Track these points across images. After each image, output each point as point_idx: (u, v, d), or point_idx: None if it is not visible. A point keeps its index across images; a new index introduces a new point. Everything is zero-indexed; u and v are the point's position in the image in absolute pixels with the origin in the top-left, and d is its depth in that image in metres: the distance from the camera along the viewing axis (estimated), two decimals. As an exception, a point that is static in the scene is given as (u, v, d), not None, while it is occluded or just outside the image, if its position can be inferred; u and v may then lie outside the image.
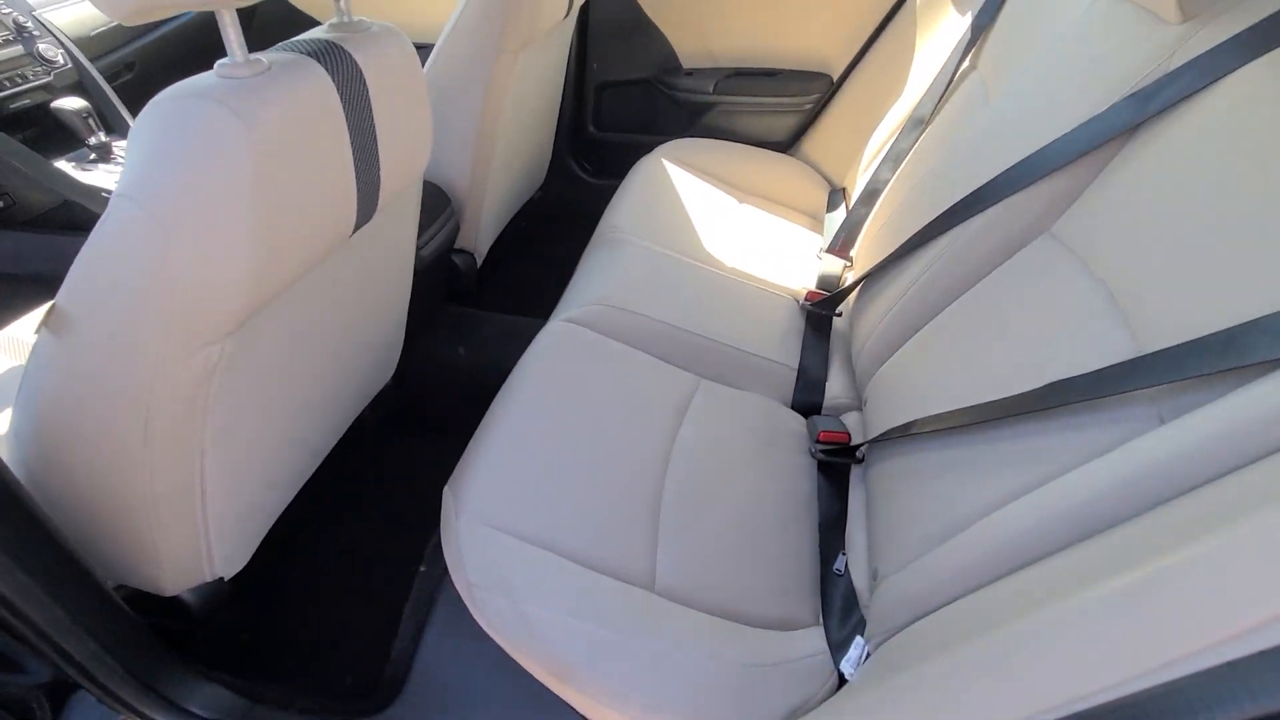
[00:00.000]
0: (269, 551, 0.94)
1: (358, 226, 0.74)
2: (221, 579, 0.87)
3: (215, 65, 0.56)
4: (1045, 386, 0.64)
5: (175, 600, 0.84)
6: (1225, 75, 0.62)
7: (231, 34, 0.54)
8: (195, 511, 0.75)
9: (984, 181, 0.88)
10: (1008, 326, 0.77)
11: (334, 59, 0.62)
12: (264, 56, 0.58)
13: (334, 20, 0.69)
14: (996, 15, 1.21)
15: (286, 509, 0.97)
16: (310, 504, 1.01)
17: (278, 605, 1.05)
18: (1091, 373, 0.60)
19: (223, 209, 0.53)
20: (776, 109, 1.73)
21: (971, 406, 0.73)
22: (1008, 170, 0.85)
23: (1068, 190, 0.78)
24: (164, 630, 0.82)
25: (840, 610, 0.81)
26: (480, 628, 0.74)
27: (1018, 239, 0.82)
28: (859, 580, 0.83)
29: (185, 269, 0.54)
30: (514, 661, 0.73)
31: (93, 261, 0.55)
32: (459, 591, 0.74)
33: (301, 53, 0.61)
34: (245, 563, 0.91)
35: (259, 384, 0.74)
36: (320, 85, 0.60)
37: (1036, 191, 0.81)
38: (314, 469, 1.01)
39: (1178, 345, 0.52)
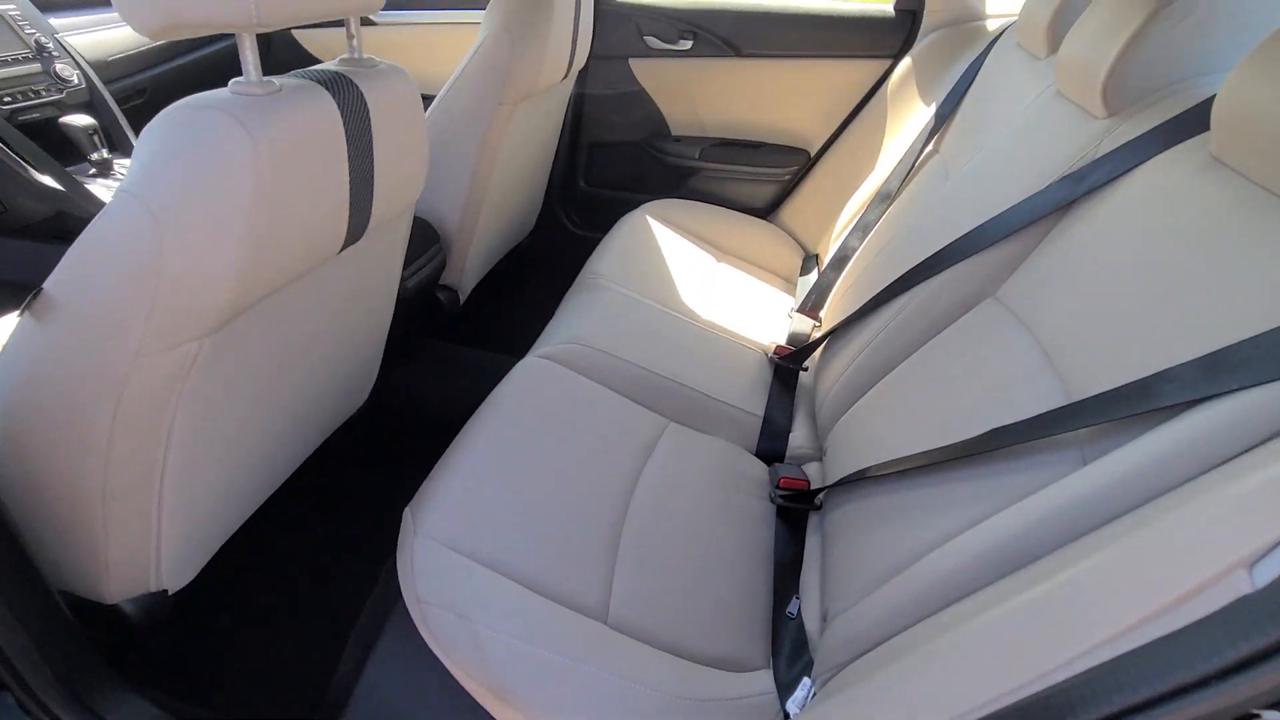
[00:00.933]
0: (217, 568, 0.92)
1: (346, 244, 0.77)
2: (165, 592, 0.85)
3: (230, 83, 0.60)
4: (986, 432, 0.68)
5: (114, 612, 0.81)
6: (1142, 162, 0.70)
7: (249, 55, 0.59)
8: (149, 514, 0.75)
9: (939, 248, 0.95)
10: (955, 379, 0.82)
11: (342, 88, 0.67)
12: (276, 79, 0.63)
13: (345, 56, 0.75)
14: (957, 107, 1.33)
15: (240, 526, 0.95)
16: (265, 524, 1.00)
17: (221, 624, 1.02)
18: (1026, 419, 0.64)
19: (219, 210, 0.57)
20: (757, 178, 1.84)
21: (919, 453, 0.76)
22: (959, 239, 0.92)
23: (1011, 258, 0.84)
24: (99, 643, 0.79)
25: (790, 652, 0.81)
26: (428, 654, 0.73)
27: (966, 301, 0.88)
28: (811, 623, 0.84)
29: (175, 262, 0.56)
30: (460, 688, 0.72)
31: (86, 250, 0.57)
32: (408, 607, 0.73)
33: (312, 80, 0.66)
34: (192, 577, 0.89)
35: (232, 390, 0.75)
36: (326, 109, 0.65)
37: (983, 259, 0.87)
38: (274, 489, 1.00)
39: (1099, 394, 0.57)
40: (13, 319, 1.01)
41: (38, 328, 0.61)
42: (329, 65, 0.72)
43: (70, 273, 0.58)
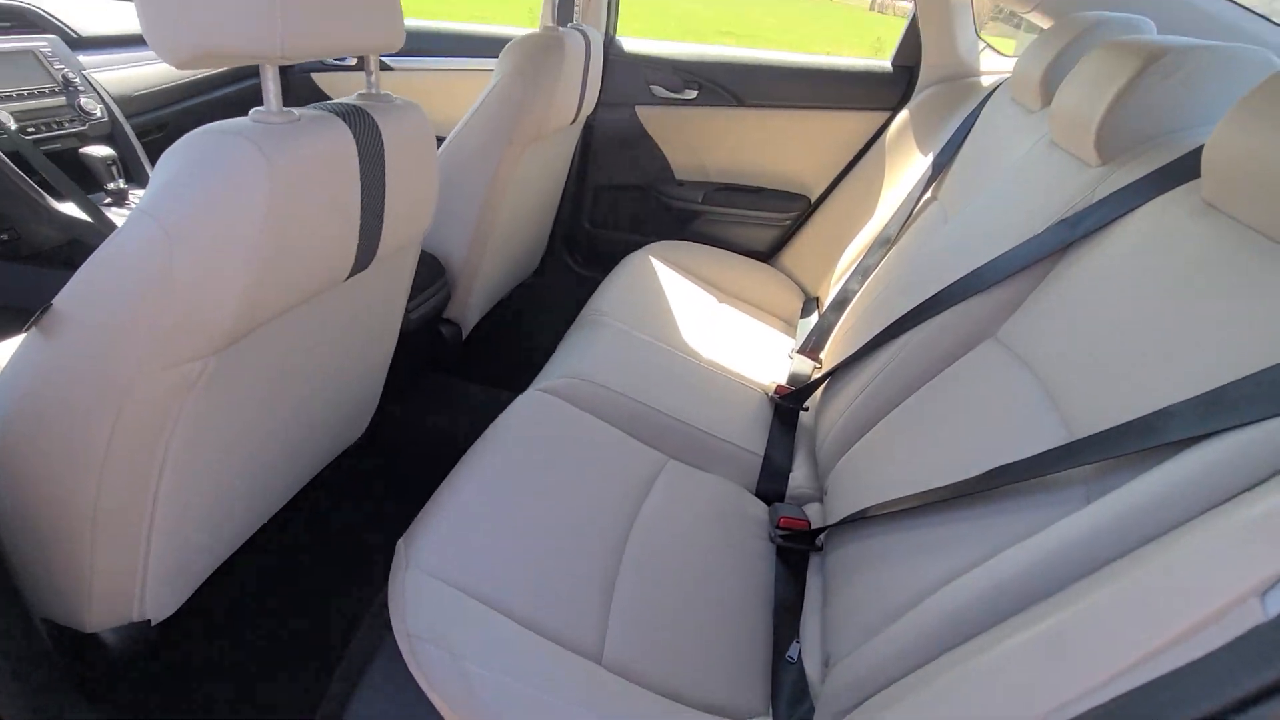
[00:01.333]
0: (202, 598, 0.90)
1: (353, 272, 0.78)
2: (149, 621, 0.83)
3: (250, 111, 0.62)
4: (989, 471, 0.67)
5: (93, 641, 0.79)
6: (1136, 207, 0.72)
7: (270, 86, 0.61)
8: (138, 539, 0.73)
9: (938, 290, 0.96)
10: (956, 419, 0.82)
11: (358, 120, 0.69)
12: (296, 110, 0.65)
13: (363, 91, 0.77)
14: (954, 156, 1.37)
15: (228, 557, 0.94)
16: (253, 554, 0.98)
17: (204, 656, 0.99)
18: (1029, 457, 0.64)
19: (231, 230, 0.58)
20: (759, 222, 1.87)
21: (922, 492, 0.75)
22: (958, 281, 0.93)
23: (1010, 299, 0.85)
24: (75, 674, 0.76)
25: (790, 698, 0.78)
26: (416, 690, 0.70)
27: (966, 341, 0.89)
28: (811, 668, 0.81)
29: (184, 279, 0.57)
30: None
31: (99, 265, 0.58)
32: (398, 642, 0.71)
33: (330, 111, 0.68)
34: (176, 607, 0.87)
35: (230, 414, 0.75)
36: (342, 139, 0.67)
37: (982, 300, 0.88)
38: (265, 519, 0.99)
39: (1104, 430, 0.57)
40: (16, 342, 1.02)
41: (43, 342, 0.61)
42: (347, 99, 0.75)
43: (81, 287, 0.59)
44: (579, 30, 1.42)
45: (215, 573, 0.92)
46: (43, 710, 0.69)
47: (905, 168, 1.57)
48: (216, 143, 0.58)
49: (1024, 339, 0.80)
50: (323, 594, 1.11)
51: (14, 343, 1.04)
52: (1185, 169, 0.70)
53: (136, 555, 0.74)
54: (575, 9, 1.54)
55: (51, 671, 0.72)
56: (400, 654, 0.72)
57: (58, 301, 0.60)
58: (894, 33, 1.79)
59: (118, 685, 0.92)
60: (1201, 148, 0.65)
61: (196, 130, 0.59)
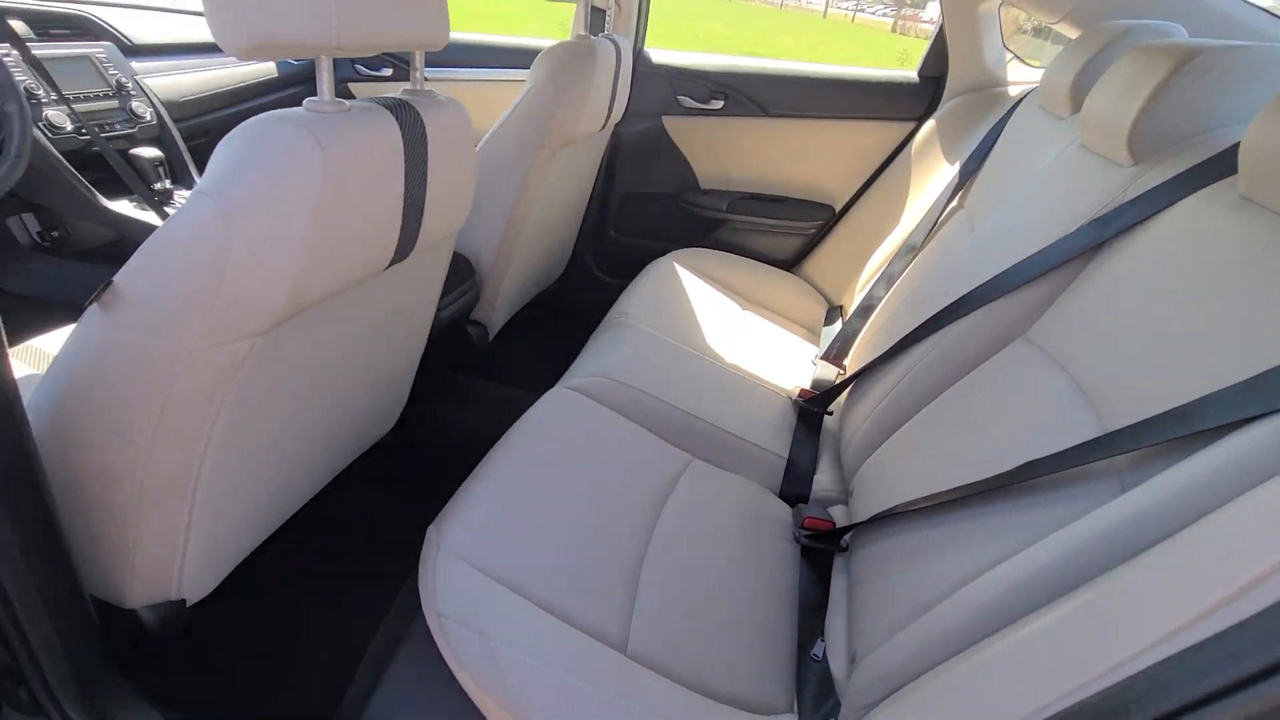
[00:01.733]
0: (233, 582, 0.92)
1: (394, 261, 0.81)
2: (184, 601, 0.85)
3: (305, 101, 0.65)
4: (1020, 465, 0.67)
5: (132, 617, 0.81)
6: (1168, 206, 0.72)
7: (325, 76, 0.64)
8: (180, 518, 0.76)
9: (965, 292, 0.96)
10: (986, 418, 0.81)
11: (404, 114, 0.72)
12: (347, 101, 0.68)
13: (408, 87, 0.80)
14: (981, 164, 1.37)
15: (259, 545, 0.96)
16: (283, 541, 1.00)
17: (234, 638, 1.01)
18: (1061, 451, 0.63)
19: (284, 214, 0.60)
20: (782, 231, 1.88)
21: (952, 489, 0.75)
22: (987, 282, 0.93)
23: (1041, 299, 0.85)
24: (113, 649, 0.78)
25: (815, 696, 0.78)
26: (444, 673, 0.71)
27: (995, 343, 0.89)
28: (836, 667, 0.81)
29: (238, 262, 0.59)
30: (475, 710, 0.70)
31: (158, 245, 0.61)
32: (428, 622, 0.72)
33: (379, 103, 0.71)
34: (212, 588, 0.89)
35: (272, 397, 0.77)
36: (389, 131, 0.69)
37: (1012, 301, 0.88)
38: (298, 506, 1.01)
39: (1138, 422, 0.57)
40: (53, 337, 1.05)
41: (102, 318, 0.64)
42: (396, 93, 0.78)
43: (140, 265, 0.62)
44: (610, 39, 1.45)
45: (246, 558, 0.94)
46: (86, 682, 0.71)
47: (931, 176, 1.57)
48: (273, 129, 0.61)
49: (1056, 338, 0.80)
50: (350, 581, 1.12)
51: (64, 333, 1.08)
52: (1221, 166, 0.70)
53: (178, 534, 0.76)
54: (606, 19, 1.58)
55: (94, 643, 0.74)
56: (429, 635, 0.73)
57: (118, 278, 0.63)
58: (917, 49, 1.80)
59: (151, 662, 0.94)
60: (1237, 145, 0.65)
61: (254, 118, 0.62)
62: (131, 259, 0.63)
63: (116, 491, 0.71)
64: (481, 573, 0.78)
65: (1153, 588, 0.36)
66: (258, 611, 1.05)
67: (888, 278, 1.42)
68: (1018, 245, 0.94)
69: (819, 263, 1.86)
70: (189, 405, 0.67)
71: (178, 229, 0.61)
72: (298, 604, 1.08)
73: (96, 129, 1.31)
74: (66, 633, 0.67)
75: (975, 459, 0.78)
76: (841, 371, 1.38)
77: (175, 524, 0.76)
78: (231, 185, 0.59)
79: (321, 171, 0.61)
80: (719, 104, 1.82)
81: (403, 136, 0.71)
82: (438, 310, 1.24)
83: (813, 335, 1.64)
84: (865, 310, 1.43)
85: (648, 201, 1.95)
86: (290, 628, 1.05)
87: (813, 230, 1.86)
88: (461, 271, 1.38)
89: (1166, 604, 0.34)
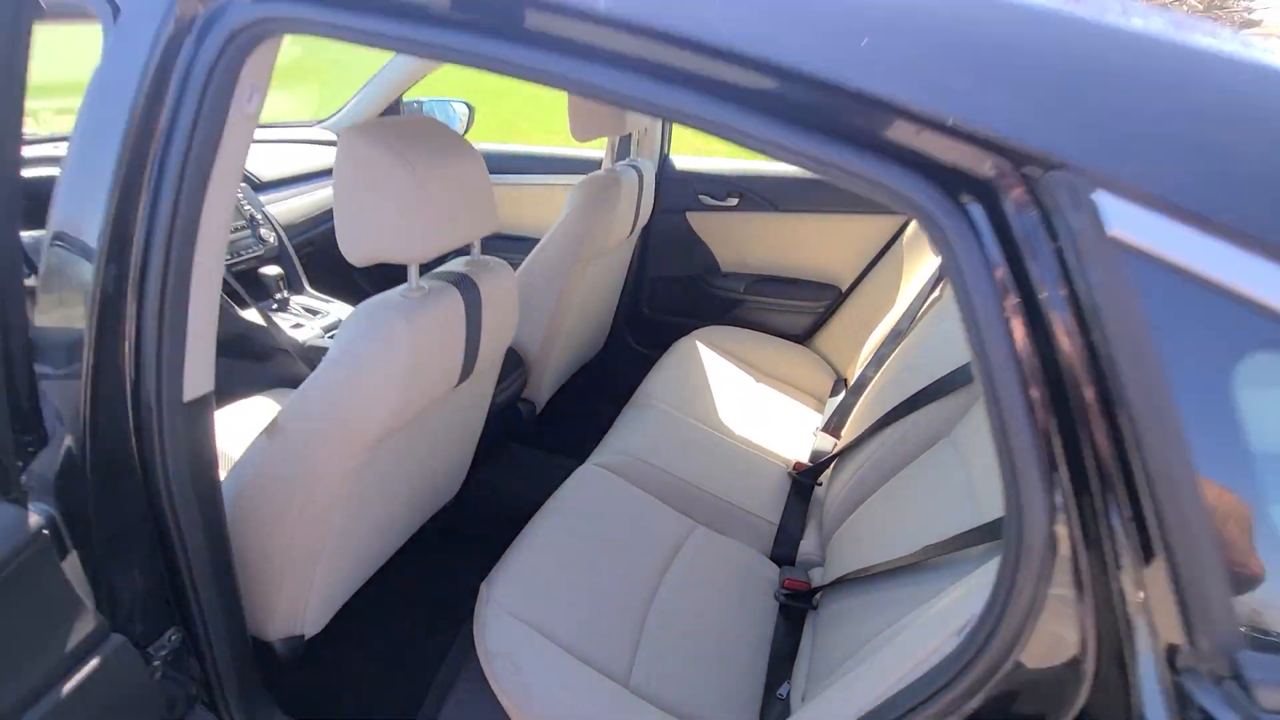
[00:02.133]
0: (328, 625, 1.21)
1: (459, 383, 1.09)
2: (303, 636, 1.14)
3: (400, 289, 0.94)
4: (919, 549, 0.88)
5: (268, 648, 1.10)
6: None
7: (413, 273, 0.94)
8: (310, 576, 1.05)
9: (915, 391, 1.17)
10: (913, 504, 1.02)
11: (465, 285, 1.01)
12: (424, 283, 0.97)
13: (468, 258, 1.10)
14: (956, 263, 1.57)
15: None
16: (367, 589, 1.29)
17: (327, 667, 1.29)
18: (946, 539, 0.84)
19: (386, 373, 0.89)
20: (795, 309, 2.11)
21: (879, 563, 0.96)
22: (934, 382, 1.14)
23: (963, 404, 1.06)
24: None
25: (776, 726, 0.99)
26: (491, 695, 0.97)
27: (928, 441, 1.09)
28: (796, 705, 1.02)
29: (359, 407, 0.89)
30: None
31: (304, 396, 0.91)
32: (480, 659, 0.98)
33: (446, 281, 1.00)
34: (324, 625, 1.18)
35: (373, 488, 1.07)
36: (454, 303, 0.98)
37: (943, 404, 1.09)
38: (385, 560, 1.30)
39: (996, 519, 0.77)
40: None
41: (268, 442, 0.95)
42: (459, 264, 1.07)
43: (293, 409, 0.92)
44: (633, 166, 1.74)
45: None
46: (246, 691, 1.00)
47: (920, 265, 1.77)
48: (379, 315, 0.90)
49: (967, 441, 1.00)
50: (418, 624, 1.40)
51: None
52: None
53: (307, 588, 1.05)
54: (632, 144, 1.88)
55: (251, 665, 1.03)
56: (479, 673, 0.99)
57: (280, 417, 0.94)
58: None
59: (277, 680, 1.23)
60: None
61: (365, 305, 0.92)
62: (289, 402, 0.93)
63: (268, 559, 1.01)
64: (521, 621, 1.03)
65: (899, 652, 0.58)
66: (347, 645, 1.34)
67: (878, 359, 1.62)
68: (959, 351, 1.14)
69: (828, 337, 2.07)
70: (319, 501, 0.96)
71: (318, 385, 0.91)
72: (378, 639, 1.37)
73: (231, 256, 1.70)
74: (237, 655, 0.96)
75: (905, 537, 0.98)
76: (837, 442, 1.59)
77: (306, 580, 1.05)
78: (352, 356, 0.89)
79: (410, 342, 0.90)
80: (734, 201, 2.08)
81: (464, 302, 1.00)
82: (493, 398, 1.53)
83: (820, 404, 1.85)
84: (859, 388, 1.63)
85: (676, 284, 2.22)
86: (371, 659, 1.33)
87: (822, 308, 2.08)
88: (513, 362, 1.67)
89: (902, 660, 0.56)
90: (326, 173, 2.18)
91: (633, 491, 1.34)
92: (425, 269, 0.96)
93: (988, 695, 0.48)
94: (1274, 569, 0.37)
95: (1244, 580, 0.37)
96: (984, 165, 0.43)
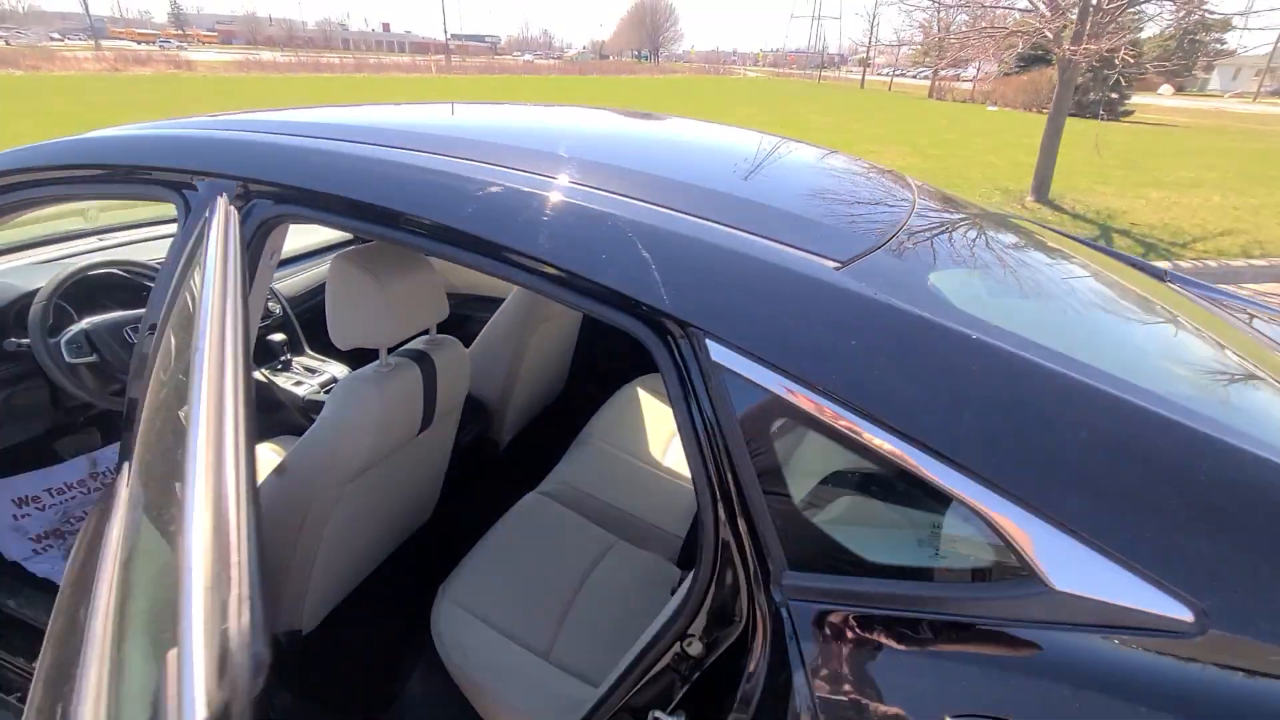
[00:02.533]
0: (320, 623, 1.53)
1: (420, 432, 1.44)
2: (299, 631, 1.46)
3: (374, 365, 1.30)
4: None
5: (273, 642, 1.43)
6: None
7: (383, 355, 1.29)
8: (308, 575, 1.38)
9: None
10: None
11: (423, 362, 1.37)
12: (392, 359, 1.33)
13: (426, 337, 1.46)
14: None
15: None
16: (353, 596, 1.61)
17: (313, 655, 1.61)
18: None
19: (364, 426, 1.24)
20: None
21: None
22: None
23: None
24: None
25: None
26: (440, 673, 1.29)
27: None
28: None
29: (343, 452, 1.23)
30: (455, 689, 1.27)
31: (305, 443, 1.26)
32: (433, 638, 1.31)
33: (408, 358, 1.36)
34: (318, 622, 1.50)
35: (357, 510, 1.41)
36: (414, 376, 1.34)
37: None
38: (367, 574, 1.63)
39: None
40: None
41: (276, 479, 1.29)
42: (419, 344, 1.43)
43: (296, 454, 1.27)
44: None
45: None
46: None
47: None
48: (357, 385, 1.25)
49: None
50: (394, 618, 1.72)
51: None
52: None
53: (306, 583, 1.38)
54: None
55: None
56: (435, 648, 1.31)
57: (286, 460, 1.28)
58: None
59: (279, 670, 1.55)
60: None
61: (349, 376, 1.27)
62: (295, 448, 1.28)
63: (277, 560, 1.34)
64: (467, 612, 1.36)
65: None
66: (330, 638, 1.66)
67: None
68: None
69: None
70: (314, 521, 1.30)
71: (314, 437, 1.26)
72: (361, 631, 1.69)
73: None
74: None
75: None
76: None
77: (305, 578, 1.38)
78: (338, 415, 1.24)
79: (381, 403, 1.25)
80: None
81: (422, 376, 1.36)
82: (457, 440, 1.88)
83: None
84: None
85: (622, 337, 2.57)
86: (353, 648, 1.65)
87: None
88: (476, 409, 2.03)
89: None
90: (321, 250, 2.57)
91: (567, 514, 1.68)
92: (395, 346, 1.32)
93: (704, 617, 0.82)
94: (794, 534, 0.72)
95: (786, 538, 0.71)
96: (668, 321, 0.79)
